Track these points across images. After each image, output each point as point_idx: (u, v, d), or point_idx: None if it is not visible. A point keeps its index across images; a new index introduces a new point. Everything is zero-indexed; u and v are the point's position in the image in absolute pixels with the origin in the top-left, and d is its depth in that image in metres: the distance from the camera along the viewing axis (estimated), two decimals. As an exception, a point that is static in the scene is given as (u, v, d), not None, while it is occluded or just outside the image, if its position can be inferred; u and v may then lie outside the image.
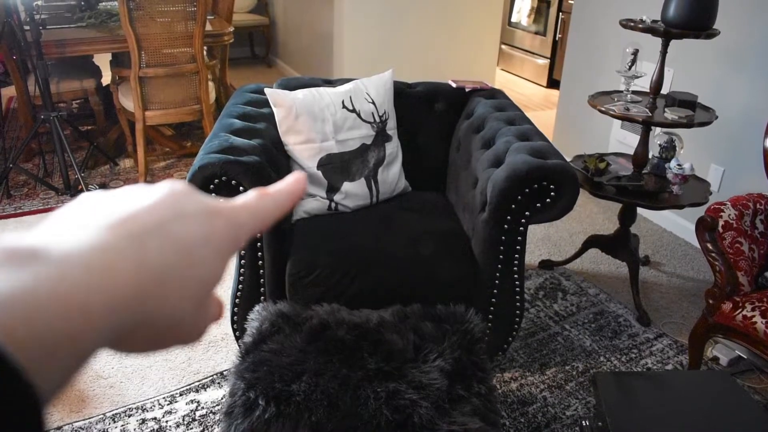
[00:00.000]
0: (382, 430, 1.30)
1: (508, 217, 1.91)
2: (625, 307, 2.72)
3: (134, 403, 2.09)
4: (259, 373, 1.41)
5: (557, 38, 5.95)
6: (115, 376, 2.20)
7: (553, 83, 6.20)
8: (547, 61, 6.14)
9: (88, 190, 3.36)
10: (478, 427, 1.33)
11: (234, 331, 2.04)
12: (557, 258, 3.06)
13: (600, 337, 2.52)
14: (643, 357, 2.42)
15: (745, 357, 2.43)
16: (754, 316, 1.98)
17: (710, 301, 2.12)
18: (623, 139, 3.64)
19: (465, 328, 1.61)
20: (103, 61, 4.21)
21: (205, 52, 3.60)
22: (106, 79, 4.06)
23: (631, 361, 2.38)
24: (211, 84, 3.74)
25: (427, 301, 1.78)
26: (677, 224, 3.37)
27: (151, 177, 3.78)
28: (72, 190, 3.50)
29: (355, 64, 4.63)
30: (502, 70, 6.72)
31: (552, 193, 1.87)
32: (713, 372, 1.66)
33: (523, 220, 1.92)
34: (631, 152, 3.12)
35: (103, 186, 3.62)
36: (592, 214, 3.53)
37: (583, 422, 1.51)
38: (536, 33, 6.24)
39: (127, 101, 3.60)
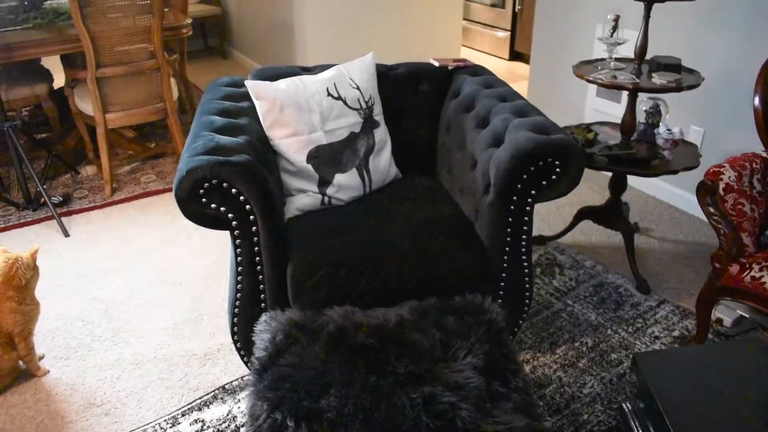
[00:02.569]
0: (424, 440, 1.21)
1: (515, 198, 1.83)
2: (623, 276, 2.69)
3: (133, 430, 1.96)
4: (282, 390, 1.30)
5: (516, 10, 5.88)
6: (108, 402, 2.07)
7: (515, 55, 6.16)
8: (507, 34, 6.08)
9: (51, 202, 3.17)
10: (524, 425, 1.26)
11: (235, 342, 1.93)
12: (548, 233, 3.01)
13: (604, 309, 2.48)
14: (648, 326, 2.39)
15: (748, 316, 2.42)
16: (762, 276, 1.96)
17: (717, 265, 2.09)
18: (600, 108, 3.61)
19: (488, 319, 1.54)
20: (51, 63, 3.98)
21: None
22: (58, 82, 3.84)
23: (638, 331, 2.35)
24: (172, 80, 3.57)
25: (439, 291, 1.70)
26: (662, 189, 3.36)
27: (116, 183, 3.60)
28: (34, 204, 3.30)
29: (319, 51, 4.49)
30: (463, 45, 6.64)
31: (557, 170, 1.80)
32: (747, 340, 1.63)
33: (529, 200, 1.85)
34: (609, 120, 3.09)
35: (68, 197, 3.43)
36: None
37: (624, 405, 1.46)
38: (493, 5, 6.17)
39: (85, 104, 3.40)
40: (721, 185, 2.09)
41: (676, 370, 1.40)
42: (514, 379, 1.38)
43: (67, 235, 3.08)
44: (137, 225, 3.17)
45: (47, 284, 2.65)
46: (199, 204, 1.71)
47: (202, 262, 2.84)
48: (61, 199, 3.38)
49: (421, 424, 1.23)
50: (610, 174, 2.79)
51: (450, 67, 2.45)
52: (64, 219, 3.18)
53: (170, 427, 1.96)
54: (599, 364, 2.19)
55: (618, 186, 2.69)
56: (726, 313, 2.42)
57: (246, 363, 1.97)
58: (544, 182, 1.82)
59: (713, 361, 1.44)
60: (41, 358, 2.26)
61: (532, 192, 1.83)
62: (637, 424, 1.47)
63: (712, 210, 2.08)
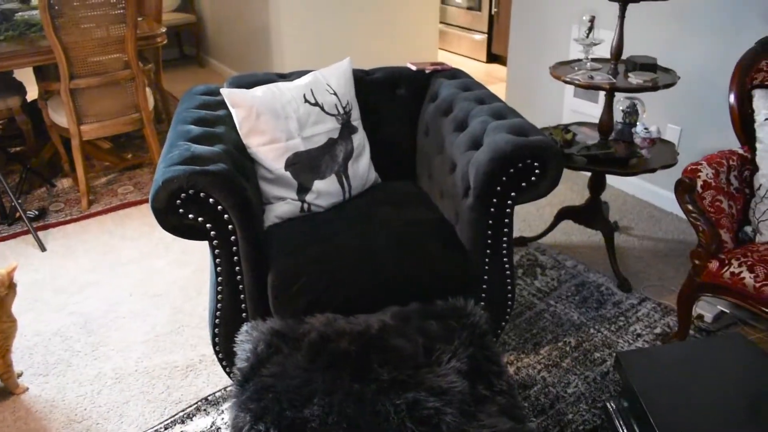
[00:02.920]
0: (409, 446, 1.20)
1: (494, 200, 1.83)
2: (604, 275, 2.70)
3: (117, 444, 1.93)
4: (265, 401, 1.29)
5: (493, 12, 5.92)
6: (90, 418, 2.03)
7: (492, 58, 6.19)
8: (484, 36, 6.11)
9: (27, 216, 3.12)
10: (509, 428, 1.25)
11: (216, 353, 1.90)
12: (529, 234, 3.02)
13: (586, 308, 2.49)
14: (631, 323, 2.40)
15: (728, 312, 2.44)
16: (741, 272, 1.97)
17: (696, 262, 2.10)
18: (577, 108, 3.63)
19: (471, 322, 1.53)
20: (24, 75, 3.92)
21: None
22: (32, 94, 3.78)
23: (620, 329, 2.36)
24: (148, 90, 3.53)
25: (421, 296, 1.69)
26: (640, 187, 3.39)
27: (93, 195, 3.55)
28: (9, 219, 3.24)
29: (296, 57, 4.48)
30: (440, 49, 6.66)
31: (537, 171, 1.81)
32: (728, 336, 1.64)
33: (509, 202, 1.85)
34: (587, 120, 3.11)
35: (43, 211, 3.38)
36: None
37: (609, 404, 1.46)
38: (470, 8, 6.20)
39: (59, 117, 3.35)
40: (699, 182, 2.11)
41: (659, 368, 1.40)
42: (498, 382, 1.37)
43: (43, 249, 3.03)
44: (115, 237, 3.13)
45: (24, 300, 2.60)
46: (177, 215, 1.68)
47: (181, 272, 2.81)
48: (36, 213, 3.33)
49: (406, 430, 1.22)
50: (589, 174, 2.81)
51: (427, 71, 2.45)
52: (40, 233, 3.13)
53: (153, 442, 1.93)
54: (583, 363, 2.19)
55: (597, 185, 2.71)
56: (707, 309, 2.44)
57: (228, 373, 1.95)
58: (523, 184, 1.82)
59: (695, 358, 1.45)
60: (20, 375, 2.21)
61: (512, 194, 1.83)
62: (621, 423, 1.47)
63: (690, 207, 2.10)
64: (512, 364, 2.19)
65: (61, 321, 2.51)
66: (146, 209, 3.37)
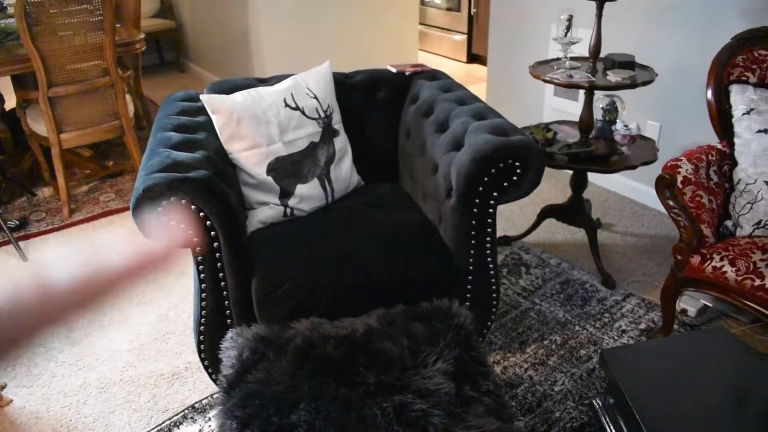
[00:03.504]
0: (396, 449, 1.20)
1: (477, 201, 1.84)
2: (588, 272, 2.72)
3: (103, 455, 1.91)
4: (251, 408, 1.28)
5: (472, 13, 5.94)
6: (75, 429, 2.01)
7: (472, 58, 6.21)
8: (464, 37, 6.13)
9: (7, 226, 3.08)
10: (496, 428, 1.25)
11: (202, 360, 1.89)
12: (512, 233, 3.03)
13: (571, 306, 2.51)
14: (615, 320, 2.42)
15: (711, 306, 2.47)
16: (723, 266, 1.99)
17: (678, 257, 2.13)
18: (557, 107, 3.65)
19: (456, 323, 1.54)
20: (2, 84, 3.87)
21: (116, 64, 3.35)
22: (10, 103, 3.74)
23: (605, 326, 2.38)
24: (128, 97, 3.50)
25: (406, 298, 1.70)
26: (622, 184, 3.42)
27: (75, 204, 3.51)
28: (-11, 230, 3.20)
29: (277, 61, 4.47)
30: (420, 50, 6.68)
31: (518, 171, 1.81)
32: (712, 331, 1.66)
33: (491, 202, 1.85)
34: (567, 119, 3.13)
35: (24, 221, 3.34)
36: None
37: (595, 401, 1.47)
38: (449, 9, 6.22)
39: (38, 125, 3.32)
40: (679, 178, 2.13)
41: (644, 364, 1.41)
42: (484, 383, 1.38)
43: (25, 259, 2.99)
44: (98, 246, 3.10)
45: (5, 311, 2.57)
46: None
47: (165, 280, 2.79)
48: (17, 222, 3.29)
49: (393, 433, 1.22)
50: (570, 172, 2.83)
51: (407, 73, 2.45)
52: (21, 243, 3.09)
53: (139, 452, 1.91)
54: (569, 360, 2.20)
55: (579, 183, 2.72)
56: (690, 303, 2.46)
57: (214, 380, 1.94)
58: (505, 184, 1.83)
59: (680, 353, 1.46)
60: (3, 387, 2.19)
61: (494, 194, 1.84)
62: (608, 420, 1.48)
63: (671, 203, 2.12)
64: (499, 363, 2.20)
65: (43, 331, 2.48)
66: (128, 217, 3.34)
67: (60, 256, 2.88)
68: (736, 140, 2.21)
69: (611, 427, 1.45)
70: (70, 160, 3.77)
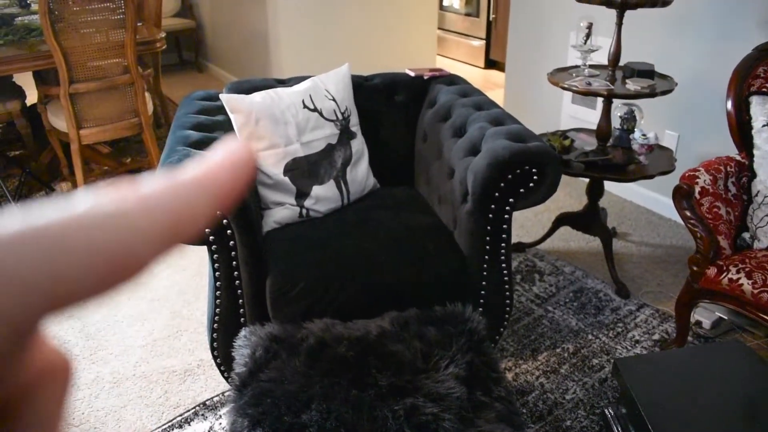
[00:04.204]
0: (407, 452, 1.20)
1: (493, 206, 1.83)
2: (602, 281, 2.70)
3: (114, 449, 1.93)
4: (263, 406, 1.29)
5: (491, 19, 5.93)
6: (87, 422, 2.03)
7: (490, 63, 6.20)
8: (482, 42, 6.12)
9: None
10: (507, 435, 1.25)
11: (215, 357, 1.90)
12: (527, 240, 3.02)
13: (584, 314, 2.49)
14: (629, 330, 2.40)
15: (727, 318, 2.45)
16: (740, 278, 1.98)
17: (694, 268, 2.11)
18: (575, 114, 3.64)
19: (469, 328, 1.53)
20: (23, 79, 3.93)
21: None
22: (31, 98, 3.78)
23: (618, 335, 2.37)
24: (147, 95, 3.53)
25: (419, 301, 1.70)
26: (638, 193, 3.40)
27: (92, 199, 3.55)
28: (8, 223, 3.23)
29: (295, 62, 4.49)
30: (438, 54, 6.68)
31: (535, 177, 1.81)
32: (727, 343, 1.64)
33: (507, 208, 1.85)
34: (584, 126, 3.12)
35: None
36: (553, 191, 3.51)
37: (607, 411, 1.46)
38: (468, 15, 6.22)
39: (59, 121, 3.35)
40: (697, 189, 2.12)
41: (657, 375, 1.40)
42: (496, 388, 1.37)
43: (41, 253, 3.03)
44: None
45: (22, 304, 2.60)
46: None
47: (180, 277, 2.81)
48: (35, 217, 3.33)
49: (404, 436, 1.22)
50: (587, 180, 2.82)
51: (425, 77, 2.45)
52: (38, 237, 3.13)
53: (150, 447, 1.93)
54: (581, 369, 2.19)
55: (595, 191, 2.71)
56: (705, 315, 2.44)
57: (226, 378, 1.95)
58: (521, 190, 1.83)
59: (693, 365, 1.45)
60: (16, 379, 2.21)
61: (510, 200, 1.83)
62: (619, 429, 1.47)
63: (688, 214, 2.10)
64: (510, 370, 2.19)
65: (58, 325, 2.51)
66: (145, 214, 3.37)
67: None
68: (755, 152, 2.19)
69: (623, 437, 1.44)
70: (89, 156, 3.81)
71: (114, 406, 2.09)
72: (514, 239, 3.01)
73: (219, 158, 0.25)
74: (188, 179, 0.24)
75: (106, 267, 0.20)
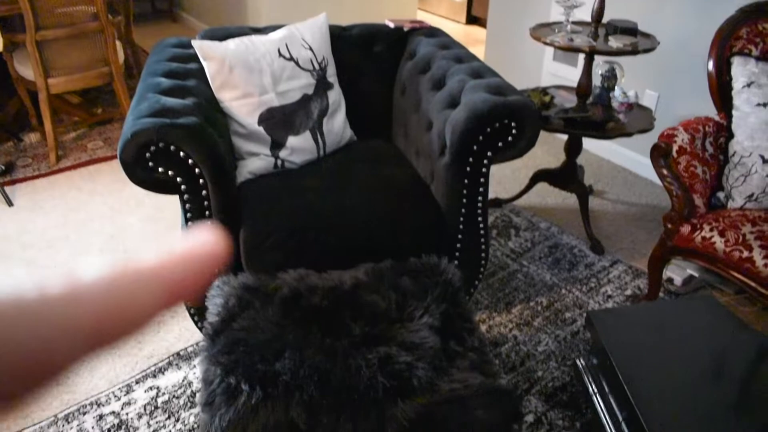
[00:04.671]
0: (380, 399, 1.21)
1: (470, 159, 1.82)
2: (577, 237, 2.72)
3: (87, 399, 1.91)
4: (236, 354, 1.28)
5: (473, -27, 5.83)
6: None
7: (472, 20, 6.12)
8: (464, -2, 6.03)
9: (-7, 170, 3.04)
10: (480, 382, 1.26)
11: (188, 308, 1.89)
12: (504, 196, 3.02)
13: (558, 270, 2.51)
14: (602, 285, 2.43)
15: (697, 275, 2.48)
16: (712, 236, 2.00)
17: (669, 226, 2.13)
18: (556, 72, 3.61)
19: (444, 280, 1.53)
20: (-11, 26, 3.78)
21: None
22: (-3, 45, 3.65)
23: (591, 290, 2.39)
24: (118, 43, 3.43)
25: (394, 253, 1.69)
26: (616, 152, 3.40)
27: (62, 150, 3.46)
28: (-25, 173, 3.16)
29: (273, 11, 4.37)
30: (419, 9, 6.56)
31: (514, 131, 1.79)
32: (698, 297, 1.66)
33: (485, 161, 1.84)
34: (565, 84, 3.09)
35: (11, 165, 3.29)
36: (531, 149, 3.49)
37: (578, 361, 1.48)
38: (450, -31, 6.09)
39: (25, 69, 3.24)
40: (675, 147, 2.12)
41: (629, 327, 1.42)
42: (469, 338, 1.38)
43: (10, 204, 2.96)
44: (85, 193, 3.06)
45: (-10, 255, 2.55)
46: (146, 168, 1.65)
47: (153, 228, 2.77)
48: (3, 168, 3.24)
49: (378, 384, 1.22)
50: (565, 137, 2.81)
51: (405, 29, 2.40)
52: (7, 188, 3.05)
53: (124, 395, 1.92)
54: (554, 322, 2.22)
55: (573, 149, 2.71)
56: (677, 272, 2.47)
57: (200, 329, 1.94)
58: (500, 144, 1.81)
59: (665, 318, 1.47)
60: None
61: (488, 153, 1.82)
62: (590, 379, 1.49)
63: (665, 172, 2.11)
64: (484, 322, 2.21)
65: (31, 276, 2.46)
66: (117, 165, 3.27)
67: (47, 203, 2.83)
68: (734, 113, 2.19)
69: (593, 387, 1.46)
70: (58, 106, 3.70)
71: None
72: (491, 195, 3.01)
73: (187, 246, 0.23)
74: (143, 267, 0.22)
75: (23, 366, 0.19)
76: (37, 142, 3.58)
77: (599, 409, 1.45)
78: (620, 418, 1.36)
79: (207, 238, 0.24)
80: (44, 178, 3.20)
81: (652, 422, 1.20)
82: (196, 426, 1.81)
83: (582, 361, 1.48)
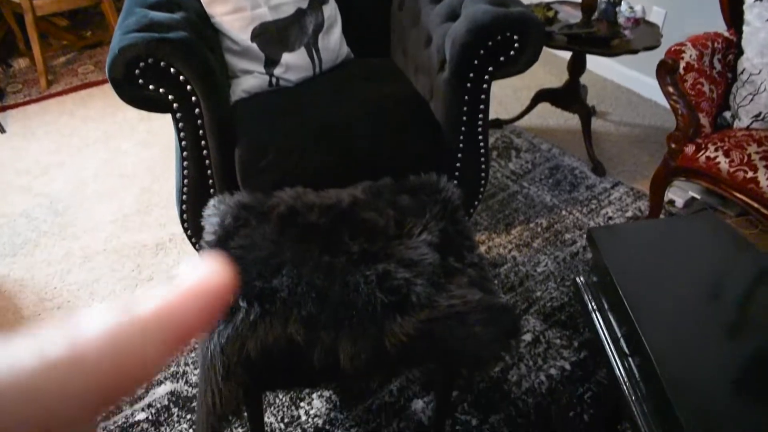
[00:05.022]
0: (378, 315, 1.20)
1: (471, 75, 1.76)
2: (578, 159, 2.68)
3: (87, 320, 1.92)
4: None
5: None
6: (60, 296, 2.02)
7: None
8: None
9: (-18, 95, 2.97)
10: (479, 298, 1.25)
11: (185, 230, 1.87)
12: (504, 116, 2.96)
13: (559, 191, 2.49)
14: (603, 207, 2.41)
15: (699, 197, 2.46)
16: (717, 156, 1.96)
17: (673, 146, 2.09)
18: (560, -13, 3.47)
19: (443, 197, 1.50)
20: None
21: None
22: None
23: (592, 212, 2.37)
24: (104, -40, 3.29)
25: (393, 172, 1.65)
26: (620, 72, 3.32)
27: (52, 75, 3.38)
28: (-36, 98, 3.09)
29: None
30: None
31: (516, 45, 1.72)
32: (702, 215, 1.64)
33: (486, 77, 1.78)
34: (572, -1, 2.98)
35: (1, 92, 3.21)
36: (532, 69, 3.38)
37: (578, 279, 1.48)
38: None
39: (9, -12, 3.12)
40: (682, 64, 2.05)
41: (631, 244, 1.40)
42: (469, 255, 1.36)
43: (3, 131, 2.91)
44: (77, 118, 3.00)
45: (-16, 180, 2.52)
46: (136, 86, 1.59)
47: (148, 153, 2.72)
48: (-8, 93, 3.18)
49: (376, 300, 1.21)
50: (569, 56, 2.72)
51: (404, -61, 2.28)
52: (-2, 114, 3.00)
53: (124, 318, 1.92)
54: (553, 243, 2.21)
55: (577, 67, 2.63)
56: (678, 194, 2.45)
57: (198, 250, 1.93)
58: (501, 58, 1.74)
59: (668, 236, 1.45)
60: (-15, 255, 2.18)
61: (489, 68, 1.76)
62: (590, 297, 1.49)
63: (671, 89, 2.05)
64: (483, 243, 2.20)
65: (26, 202, 2.45)
66: (109, 89, 3.20)
67: (39, 129, 2.78)
68: (744, 28, 2.11)
69: (593, 304, 1.46)
70: (46, 30, 3.59)
71: (86, 281, 2.08)
72: (492, 115, 2.94)
73: (190, 284, 0.21)
74: (145, 314, 0.20)
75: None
76: (27, 67, 3.49)
77: (598, 326, 1.45)
78: (619, 335, 1.36)
79: (212, 271, 0.22)
80: (36, 104, 3.14)
81: (652, 338, 1.19)
82: (196, 346, 1.82)
83: (582, 278, 1.47)
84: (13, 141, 2.83)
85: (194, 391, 1.71)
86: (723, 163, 1.94)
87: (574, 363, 1.79)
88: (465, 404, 1.69)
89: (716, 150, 1.97)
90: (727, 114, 2.18)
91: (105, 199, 2.46)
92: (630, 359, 1.31)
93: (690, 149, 2.03)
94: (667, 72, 2.05)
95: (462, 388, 1.74)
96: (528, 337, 1.87)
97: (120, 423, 1.64)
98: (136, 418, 1.65)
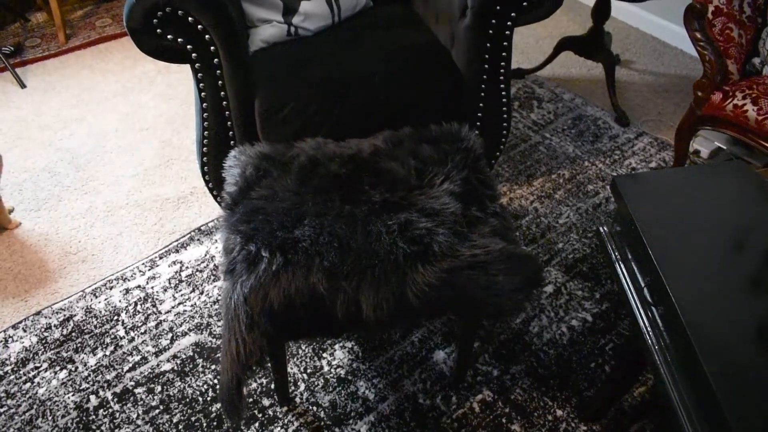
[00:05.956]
0: (400, 265, 1.20)
1: (493, 21, 1.72)
2: (602, 109, 2.63)
3: (113, 275, 1.95)
4: (255, 223, 1.27)
5: None
6: (84, 250, 2.05)
7: None
8: None
9: (2, 52, 2.96)
10: (501, 248, 1.25)
11: (206, 182, 1.87)
12: (526, 66, 2.91)
13: (581, 142, 2.45)
14: (626, 157, 2.37)
15: (725, 148, 2.41)
16: (745, 104, 1.91)
17: (699, 93, 2.03)
18: (585, -69, 3.36)
19: (465, 146, 1.49)
20: None
21: None
22: None
23: (615, 162, 2.34)
24: None
25: (414, 121, 1.63)
26: (645, 20, 3.22)
27: (70, 29, 3.36)
28: (-17, 54, 3.08)
29: None
30: None
31: (539, -11, 1.68)
32: (729, 163, 1.61)
33: (509, 23, 1.73)
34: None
35: (19, 47, 3.20)
36: (555, 16, 3.32)
37: (602, 229, 1.46)
38: None
39: (23, -60, 3.08)
40: (711, 8, 1.99)
41: (656, 193, 1.38)
42: (491, 205, 1.35)
43: (23, 86, 2.91)
44: (96, 72, 3.00)
45: (8, 137, 2.53)
46: (154, 35, 1.58)
47: (167, 106, 2.72)
48: (12, 49, 3.16)
49: (398, 249, 1.21)
50: (592, 2, 2.65)
51: None
52: (18, 70, 2.99)
53: (149, 270, 1.95)
54: (575, 195, 2.19)
55: (601, 13, 2.56)
56: (704, 144, 2.40)
57: (219, 203, 1.94)
58: (524, 2, 1.70)
59: (694, 184, 1.42)
60: (11, 211, 2.20)
61: (512, 14, 1.71)
62: (613, 246, 1.47)
63: (698, 35, 1.99)
64: (505, 195, 2.19)
65: (48, 157, 2.46)
66: (127, 42, 3.21)
67: (59, 83, 2.78)
68: (777, -33, 2.03)
69: (616, 254, 1.45)
70: (62, -18, 3.56)
71: (110, 234, 2.10)
72: (514, 65, 2.89)
73: None
74: None
75: None
76: (44, 21, 3.47)
77: (621, 276, 1.45)
78: (642, 284, 1.35)
79: None
80: (55, 59, 3.13)
81: (677, 287, 1.18)
82: (220, 298, 1.85)
83: (605, 228, 1.46)
84: (34, 96, 2.84)
85: (218, 342, 1.74)
86: (751, 111, 1.89)
87: (596, 314, 1.79)
88: (486, 355, 1.71)
89: (744, 98, 1.92)
90: (756, 60, 2.11)
91: (126, 153, 2.47)
92: (653, 309, 1.30)
93: (717, 97, 1.98)
94: (694, 17, 1.99)
95: (483, 339, 1.75)
96: (549, 288, 1.87)
97: (146, 373, 1.68)
98: (162, 369, 1.69)
